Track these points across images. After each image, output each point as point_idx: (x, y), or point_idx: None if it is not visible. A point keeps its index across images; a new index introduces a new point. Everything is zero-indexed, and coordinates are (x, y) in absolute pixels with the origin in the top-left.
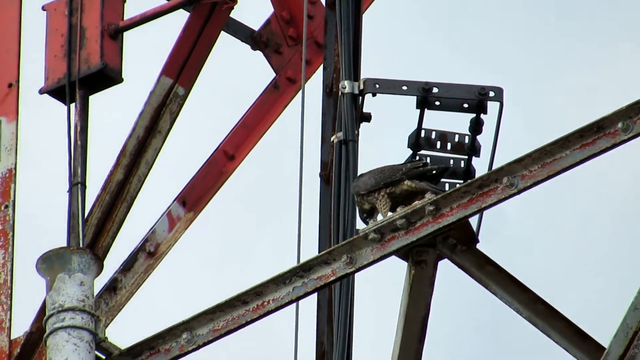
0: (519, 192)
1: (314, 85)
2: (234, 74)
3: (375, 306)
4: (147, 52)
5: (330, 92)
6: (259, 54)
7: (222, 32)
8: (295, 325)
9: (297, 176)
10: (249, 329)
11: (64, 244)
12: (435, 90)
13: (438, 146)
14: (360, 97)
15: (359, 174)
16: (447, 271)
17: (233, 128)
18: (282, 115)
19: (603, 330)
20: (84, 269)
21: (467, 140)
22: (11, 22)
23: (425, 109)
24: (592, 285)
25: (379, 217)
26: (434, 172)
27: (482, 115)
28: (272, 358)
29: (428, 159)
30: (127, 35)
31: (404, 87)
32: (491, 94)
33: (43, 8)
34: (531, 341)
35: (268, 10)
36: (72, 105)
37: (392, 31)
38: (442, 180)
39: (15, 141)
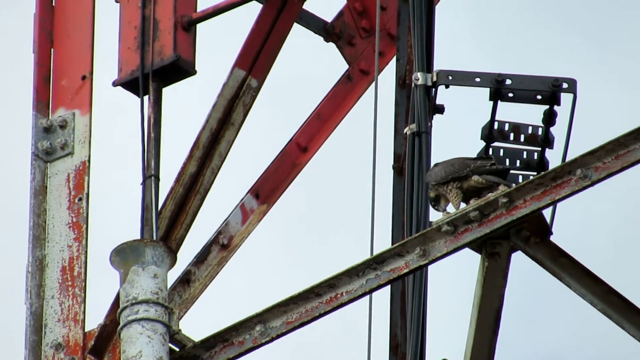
0: (592, 184)
1: (387, 77)
2: (307, 65)
3: (448, 298)
4: (220, 44)
5: (403, 83)
6: (331, 45)
7: (295, 23)
8: (369, 317)
9: (369, 168)
10: (322, 321)
11: (138, 237)
12: (508, 81)
13: (511, 138)
14: (433, 89)
15: (433, 164)
16: (520, 263)
17: (306, 120)
18: (355, 107)
19: None
20: (158, 261)
21: (540, 132)
22: (85, 15)
23: (499, 101)
24: None
25: (449, 208)
26: (501, 171)
27: (555, 107)
28: (346, 350)
29: (501, 152)
30: (200, 27)
31: (477, 79)
32: (564, 85)
33: (116, 0)
34: (605, 333)
35: (341, 1)
36: (146, 98)
37: (465, 22)
38: (516, 172)
39: (89, 134)
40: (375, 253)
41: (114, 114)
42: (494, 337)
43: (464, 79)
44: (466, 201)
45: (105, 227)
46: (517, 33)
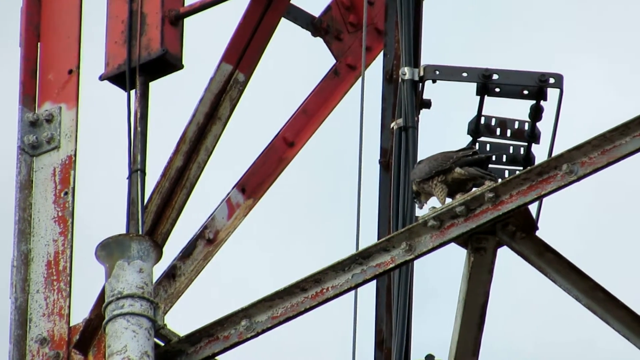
0: (578, 179)
1: (374, 72)
2: (294, 60)
3: (434, 293)
4: (207, 38)
5: (390, 78)
6: (319, 40)
7: (283, 18)
8: (354, 312)
9: (356, 163)
10: (307, 316)
11: (123, 231)
12: (495, 76)
13: (498, 133)
14: (420, 84)
15: (418, 160)
16: (506, 258)
17: (293, 115)
18: (342, 102)
19: None
20: (143, 256)
21: (526, 127)
22: (71, 9)
23: (485, 96)
24: None
25: (432, 203)
26: (483, 159)
27: (542, 102)
28: (331, 345)
29: (487, 146)
30: (187, 21)
31: (464, 74)
32: (551, 80)
33: None
34: (590, 329)
35: None
36: (132, 92)
37: (452, 17)
38: (502, 167)
39: (75, 128)
40: (361, 248)
41: (101, 108)
42: (479, 333)
43: (451, 73)
44: (452, 195)
45: (91, 222)
46: (504, 28)
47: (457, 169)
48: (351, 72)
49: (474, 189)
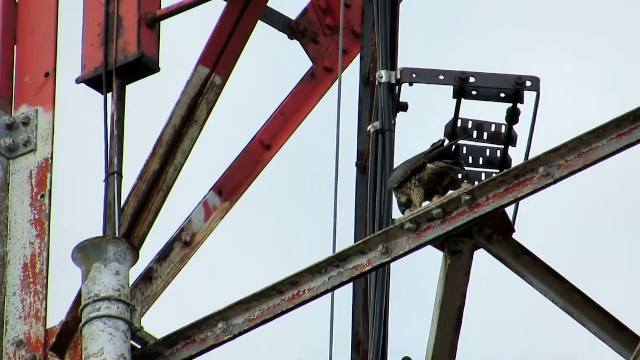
0: (555, 182)
1: (351, 75)
2: (271, 63)
3: (410, 296)
4: (183, 41)
5: (367, 81)
6: (295, 43)
7: (259, 21)
8: (331, 315)
9: (333, 166)
10: (284, 318)
11: (100, 234)
12: (471, 79)
13: (474, 136)
14: (397, 87)
15: (394, 164)
16: (482, 261)
17: (269, 117)
18: (319, 105)
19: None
20: (120, 258)
21: (503, 129)
22: (48, 11)
23: (462, 99)
24: (628, 274)
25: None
26: (450, 149)
27: (518, 105)
28: (307, 348)
29: (464, 149)
30: (164, 24)
31: (441, 77)
32: (528, 83)
33: None
34: (567, 331)
35: None
36: (109, 95)
37: (429, 20)
38: (479, 169)
39: (52, 130)
40: (337, 250)
41: (77, 111)
42: (456, 335)
43: (427, 76)
44: (430, 197)
45: (68, 224)
46: (480, 31)
47: (429, 165)
48: (328, 74)
49: (450, 192)
